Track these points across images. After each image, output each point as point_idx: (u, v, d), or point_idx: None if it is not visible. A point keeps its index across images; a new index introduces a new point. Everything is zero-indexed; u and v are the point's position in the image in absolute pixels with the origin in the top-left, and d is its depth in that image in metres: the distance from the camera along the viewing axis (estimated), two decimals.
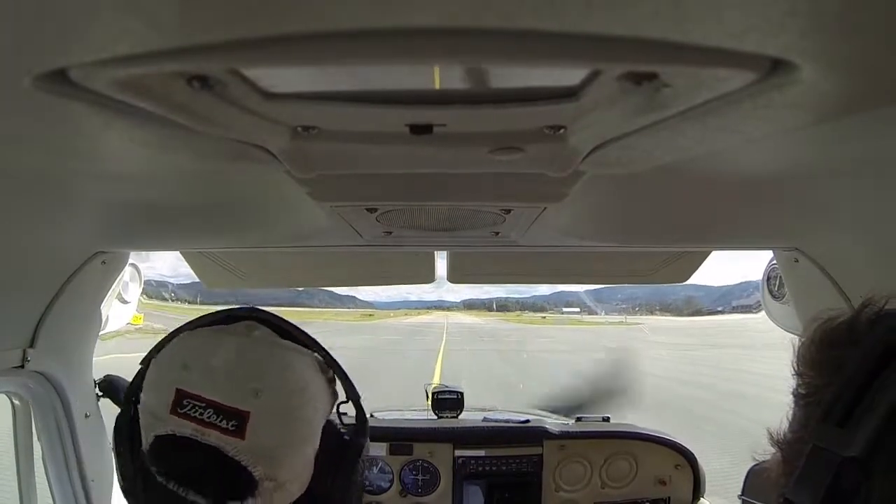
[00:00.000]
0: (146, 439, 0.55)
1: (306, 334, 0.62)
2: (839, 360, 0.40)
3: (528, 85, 0.36)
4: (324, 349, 0.62)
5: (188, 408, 0.52)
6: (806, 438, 0.40)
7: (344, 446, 0.61)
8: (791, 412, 0.45)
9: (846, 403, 0.37)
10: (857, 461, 0.35)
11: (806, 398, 0.43)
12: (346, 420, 0.65)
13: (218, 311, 0.62)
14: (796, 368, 0.45)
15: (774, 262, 1.19)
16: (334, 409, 0.63)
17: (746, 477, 0.81)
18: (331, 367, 0.62)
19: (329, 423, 0.61)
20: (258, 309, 0.62)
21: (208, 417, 0.51)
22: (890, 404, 0.35)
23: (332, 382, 0.62)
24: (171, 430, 0.52)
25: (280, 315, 0.63)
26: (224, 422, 0.51)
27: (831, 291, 0.95)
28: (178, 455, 0.53)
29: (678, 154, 0.45)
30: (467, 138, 0.43)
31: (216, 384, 0.52)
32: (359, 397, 0.64)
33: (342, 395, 0.65)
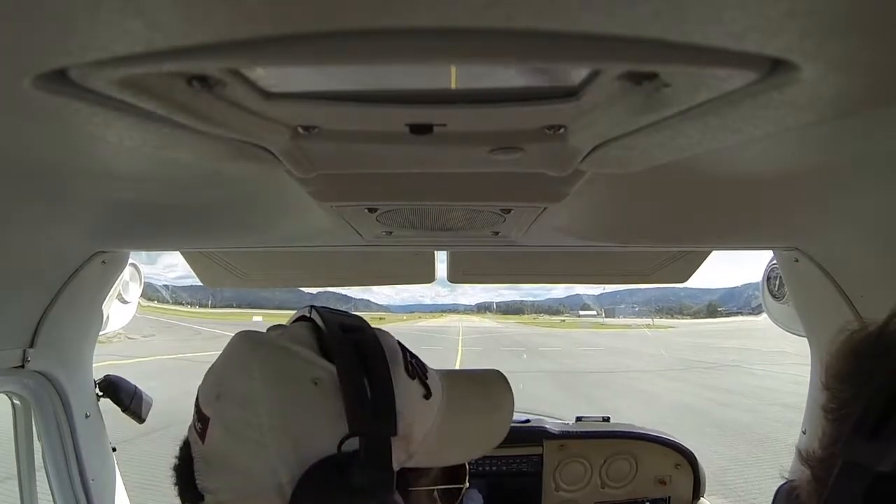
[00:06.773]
0: None
1: (348, 342, 0.50)
2: (868, 371, 0.39)
3: (528, 85, 0.36)
4: (352, 362, 0.49)
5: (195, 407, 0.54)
6: (837, 454, 0.38)
7: (335, 489, 0.46)
8: (821, 428, 0.42)
9: (877, 415, 0.35)
10: (893, 476, 0.33)
11: (836, 412, 0.41)
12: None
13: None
14: (824, 382, 0.42)
15: (774, 262, 1.19)
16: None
17: (774, 498, 0.70)
18: (344, 387, 0.48)
19: (331, 457, 0.47)
20: (314, 307, 0.57)
21: (193, 416, 0.53)
22: None
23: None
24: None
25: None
26: (198, 424, 0.52)
27: (831, 291, 0.95)
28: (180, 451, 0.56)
29: (678, 154, 0.45)
30: (467, 138, 0.43)
31: (204, 384, 0.54)
32: (368, 433, 0.47)
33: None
